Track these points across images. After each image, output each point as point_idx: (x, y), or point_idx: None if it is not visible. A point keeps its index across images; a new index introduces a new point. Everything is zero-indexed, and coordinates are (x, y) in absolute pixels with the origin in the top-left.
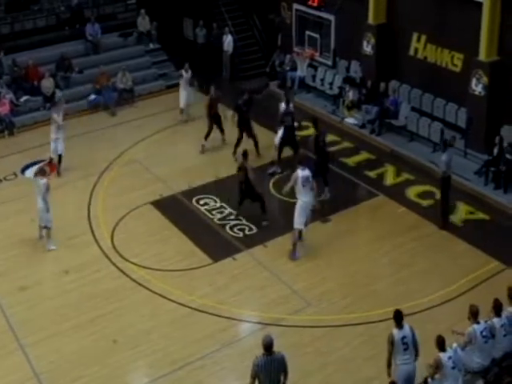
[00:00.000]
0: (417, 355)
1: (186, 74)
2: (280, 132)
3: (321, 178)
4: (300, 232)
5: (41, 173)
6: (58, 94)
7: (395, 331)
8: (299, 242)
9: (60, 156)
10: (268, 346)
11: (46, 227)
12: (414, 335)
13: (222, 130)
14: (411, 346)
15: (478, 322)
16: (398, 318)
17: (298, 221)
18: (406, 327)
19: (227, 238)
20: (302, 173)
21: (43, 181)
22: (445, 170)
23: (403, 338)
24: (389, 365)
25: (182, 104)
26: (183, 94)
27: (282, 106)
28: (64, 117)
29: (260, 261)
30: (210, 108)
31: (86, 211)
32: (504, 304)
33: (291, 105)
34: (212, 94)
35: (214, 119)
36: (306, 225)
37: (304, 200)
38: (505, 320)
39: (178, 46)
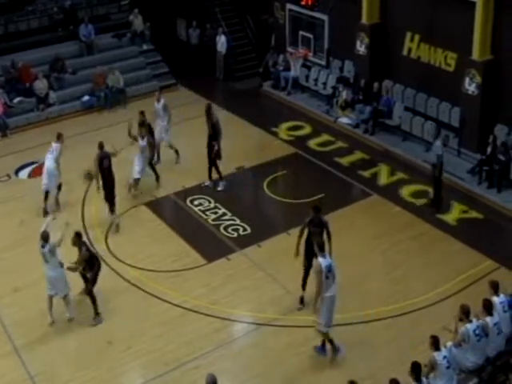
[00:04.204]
0: None
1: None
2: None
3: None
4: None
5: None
6: (52, 95)
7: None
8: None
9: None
10: None
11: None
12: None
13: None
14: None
15: (470, 321)
16: (417, 370)
17: (321, 320)
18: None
19: (221, 239)
20: (324, 262)
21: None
22: (441, 153)
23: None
24: None
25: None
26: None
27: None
28: (58, 118)
29: (254, 261)
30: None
31: (80, 212)
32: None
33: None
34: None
35: None
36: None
37: (327, 295)
38: (499, 309)
39: (172, 46)
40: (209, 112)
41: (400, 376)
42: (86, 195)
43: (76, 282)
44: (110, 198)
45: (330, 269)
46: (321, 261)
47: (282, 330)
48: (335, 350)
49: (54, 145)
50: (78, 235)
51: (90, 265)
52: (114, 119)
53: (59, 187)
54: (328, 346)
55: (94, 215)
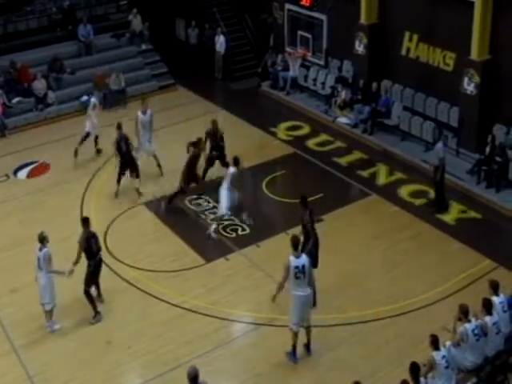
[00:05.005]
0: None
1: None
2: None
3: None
4: (295, 333)
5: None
6: (51, 95)
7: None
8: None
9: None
10: (193, 378)
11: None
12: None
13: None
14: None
15: (469, 321)
16: (415, 371)
17: (292, 319)
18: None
19: (220, 239)
20: (294, 261)
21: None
22: (442, 156)
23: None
24: None
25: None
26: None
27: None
28: (56, 118)
29: (253, 261)
30: None
31: (79, 212)
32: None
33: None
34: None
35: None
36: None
37: (296, 294)
38: (499, 309)
39: (171, 46)
40: (217, 126)
41: (399, 376)
42: (85, 195)
43: (71, 286)
44: (118, 178)
45: (301, 269)
46: (291, 259)
47: (281, 329)
48: (292, 351)
49: (93, 99)
50: (84, 220)
51: (87, 259)
52: (113, 119)
53: (96, 138)
54: (301, 348)
55: (94, 215)
